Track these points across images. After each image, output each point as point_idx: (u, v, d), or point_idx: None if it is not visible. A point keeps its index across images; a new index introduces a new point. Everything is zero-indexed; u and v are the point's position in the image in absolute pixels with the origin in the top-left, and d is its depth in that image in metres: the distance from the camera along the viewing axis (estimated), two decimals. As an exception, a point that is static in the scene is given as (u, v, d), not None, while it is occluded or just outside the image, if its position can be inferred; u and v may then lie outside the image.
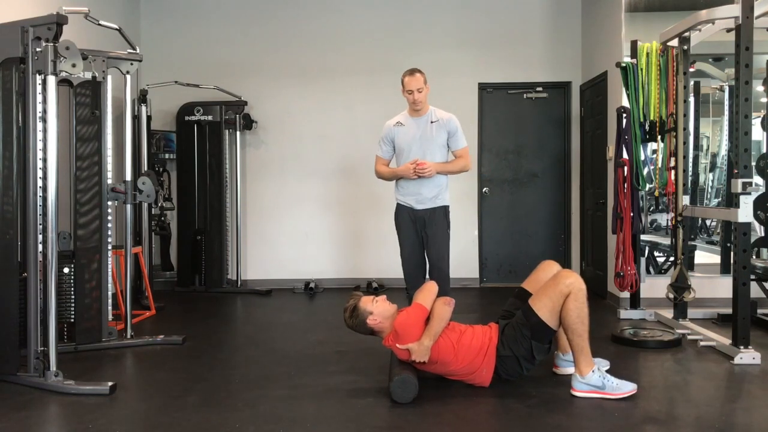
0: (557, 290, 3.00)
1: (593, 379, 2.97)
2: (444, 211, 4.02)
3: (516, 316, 3.15)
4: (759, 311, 4.44)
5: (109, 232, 4.13)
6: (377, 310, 3.16)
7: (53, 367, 3.20)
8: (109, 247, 4.13)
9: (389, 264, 6.32)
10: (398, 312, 3.19)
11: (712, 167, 5.99)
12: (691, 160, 4.93)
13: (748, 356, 3.54)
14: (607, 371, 3.11)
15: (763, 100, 5.51)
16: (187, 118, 6.20)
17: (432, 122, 3.96)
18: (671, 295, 4.46)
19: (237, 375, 3.51)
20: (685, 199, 4.48)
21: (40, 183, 3.29)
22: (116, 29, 4.14)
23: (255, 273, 6.46)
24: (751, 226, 3.70)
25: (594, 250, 5.95)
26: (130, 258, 4.39)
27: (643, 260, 4.86)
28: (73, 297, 3.95)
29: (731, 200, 3.70)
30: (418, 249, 4.02)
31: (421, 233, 4.00)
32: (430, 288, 3.27)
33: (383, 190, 6.39)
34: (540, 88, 6.47)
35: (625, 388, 2.99)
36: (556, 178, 6.51)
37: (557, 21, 6.40)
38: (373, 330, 3.19)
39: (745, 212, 3.57)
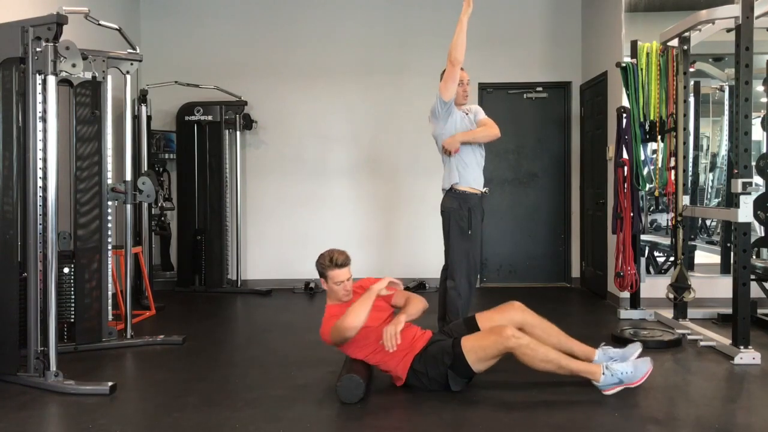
0: (495, 345, 2.96)
1: (608, 379, 2.99)
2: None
3: (447, 340, 3.12)
4: (759, 311, 4.44)
5: (109, 232, 4.13)
6: (342, 290, 3.20)
7: (53, 367, 3.20)
8: (109, 247, 4.13)
9: (390, 264, 6.36)
10: (337, 305, 3.21)
11: (712, 167, 5.99)
12: (691, 160, 4.92)
13: (748, 356, 3.54)
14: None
15: (763, 100, 5.51)
16: (187, 118, 6.20)
17: (467, 114, 3.98)
18: (671, 295, 4.46)
19: (237, 375, 3.51)
20: (685, 199, 4.48)
21: (40, 183, 3.28)
22: (116, 29, 4.14)
23: (255, 273, 6.46)
24: (751, 226, 3.70)
25: (594, 250, 5.94)
26: (130, 258, 4.40)
27: (643, 260, 4.86)
28: (73, 297, 3.96)
29: (731, 200, 3.70)
30: None
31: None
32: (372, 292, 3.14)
33: (383, 190, 6.44)
34: (540, 88, 6.47)
35: (640, 372, 3.00)
36: (556, 178, 6.51)
37: (557, 21, 6.39)
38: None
39: (745, 212, 3.56)
